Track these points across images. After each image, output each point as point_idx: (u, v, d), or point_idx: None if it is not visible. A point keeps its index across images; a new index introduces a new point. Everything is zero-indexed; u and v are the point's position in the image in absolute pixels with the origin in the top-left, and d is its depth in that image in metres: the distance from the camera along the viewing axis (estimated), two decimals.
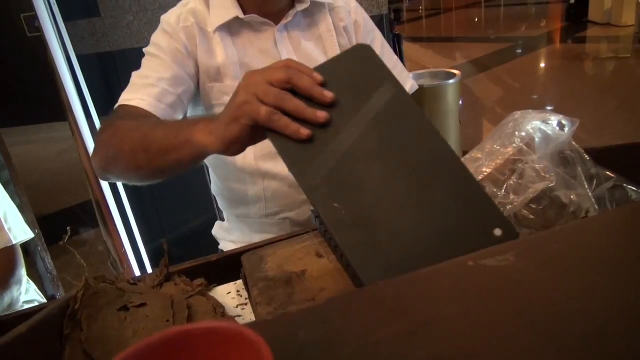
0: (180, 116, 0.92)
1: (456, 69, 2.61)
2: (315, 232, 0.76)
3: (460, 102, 2.62)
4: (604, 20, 6.72)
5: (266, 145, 0.96)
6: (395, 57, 1.09)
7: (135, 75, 0.90)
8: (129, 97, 0.86)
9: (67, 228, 0.75)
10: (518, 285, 0.32)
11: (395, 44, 2.54)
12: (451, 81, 2.46)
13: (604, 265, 0.33)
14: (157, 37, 0.92)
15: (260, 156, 0.96)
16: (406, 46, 5.19)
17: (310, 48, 0.97)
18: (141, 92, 0.85)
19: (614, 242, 0.35)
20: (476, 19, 10.21)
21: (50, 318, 0.51)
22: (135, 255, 2.03)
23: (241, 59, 0.93)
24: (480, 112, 4.20)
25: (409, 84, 1.09)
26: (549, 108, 4.29)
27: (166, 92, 0.87)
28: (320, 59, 0.97)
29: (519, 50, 6.55)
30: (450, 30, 9.16)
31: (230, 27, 0.92)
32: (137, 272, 1.91)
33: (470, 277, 0.33)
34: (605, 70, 5.26)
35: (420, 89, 2.48)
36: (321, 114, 0.56)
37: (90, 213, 2.19)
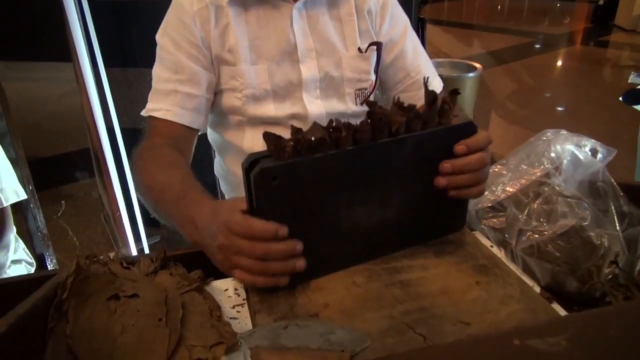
0: (206, 115, 0.93)
1: (474, 58, 2.53)
2: None
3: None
4: (630, 27, 6.56)
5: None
6: (425, 55, 1.02)
7: (156, 78, 0.90)
8: (154, 106, 0.89)
9: (62, 202, 0.70)
10: None
11: (419, 28, 2.45)
12: (471, 74, 2.39)
13: None
14: (170, 25, 0.88)
15: None
16: (427, 29, 5.06)
17: (328, 31, 0.91)
18: (165, 101, 0.88)
19: None
20: (499, 7, 9.96)
21: (34, 311, 0.47)
22: (128, 213, 1.99)
23: (252, 41, 0.88)
24: (491, 105, 4.13)
25: (437, 79, 1.03)
26: (559, 109, 4.22)
27: (188, 96, 0.88)
28: (338, 43, 0.92)
29: (539, 46, 6.41)
30: (471, 17, 8.94)
31: (246, 1, 0.87)
32: (129, 232, 1.87)
33: None
34: (624, 78, 5.15)
35: None
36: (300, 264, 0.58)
37: (89, 162, 2.14)
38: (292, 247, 0.56)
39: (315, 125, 0.56)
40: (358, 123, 0.56)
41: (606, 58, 5.86)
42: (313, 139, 0.54)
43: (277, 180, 0.54)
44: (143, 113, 0.91)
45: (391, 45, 0.97)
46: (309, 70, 0.91)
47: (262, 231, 0.55)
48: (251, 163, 0.55)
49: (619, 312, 0.34)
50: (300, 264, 0.57)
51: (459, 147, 0.63)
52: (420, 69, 1.00)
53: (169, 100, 0.88)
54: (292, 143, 0.53)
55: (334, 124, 0.55)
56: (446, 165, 0.63)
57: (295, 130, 0.54)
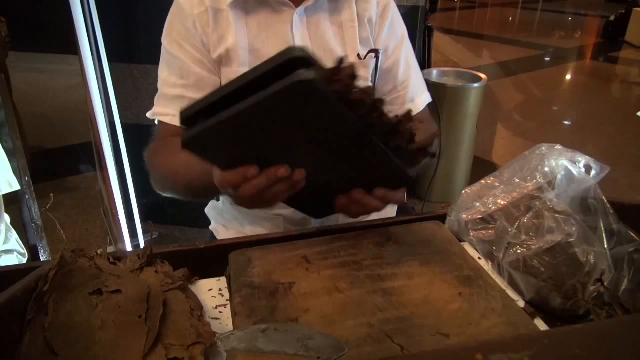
0: None
1: (482, 69, 2.53)
2: (311, 241, 0.71)
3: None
4: None
5: None
6: (417, 70, 1.02)
7: (162, 81, 0.92)
8: (161, 111, 0.91)
9: (51, 195, 0.70)
10: None
11: (426, 36, 2.44)
12: (475, 85, 2.39)
13: None
14: (174, 29, 0.89)
15: None
16: (435, 37, 5.06)
17: (329, 36, 0.91)
18: (172, 106, 0.89)
19: None
20: (510, 19, 9.95)
21: (12, 302, 0.47)
22: (126, 208, 2.00)
23: (252, 44, 0.88)
24: (497, 117, 4.12)
25: (423, 97, 1.02)
26: (565, 123, 4.20)
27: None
28: (337, 50, 0.92)
29: (548, 59, 6.40)
30: (482, 27, 8.93)
31: (247, 4, 0.87)
32: (124, 227, 1.88)
33: None
34: (632, 95, 5.13)
35: (443, 88, 2.41)
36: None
37: (93, 155, 2.15)
38: (274, 174, 0.58)
39: (370, 88, 0.54)
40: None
41: (615, 74, 5.84)
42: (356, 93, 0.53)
43: (309, 98, 0.50)
44: (149, 115, 0.92)
45: (385, 57, 0.97)
46: None
47: (230, 182, 0.60)
48: (299, 60, 0.49)
49: (586, 332, 0.33)
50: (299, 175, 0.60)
51: (379, 192, 0.66)
52: (408, 85, 0.99)
53: (176, 105, 0.89)
54: (346, 82, 0.51)
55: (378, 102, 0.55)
56: (357, 196, 0.66)
57: (352, 75, 0.52)
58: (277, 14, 0.88)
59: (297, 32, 0.89)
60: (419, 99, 1.00)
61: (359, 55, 0.93)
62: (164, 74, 0.91)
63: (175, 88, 0.89)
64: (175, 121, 0.88)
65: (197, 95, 0.87)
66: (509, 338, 0.33)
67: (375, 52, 0.94)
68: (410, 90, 0.99)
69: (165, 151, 0.88)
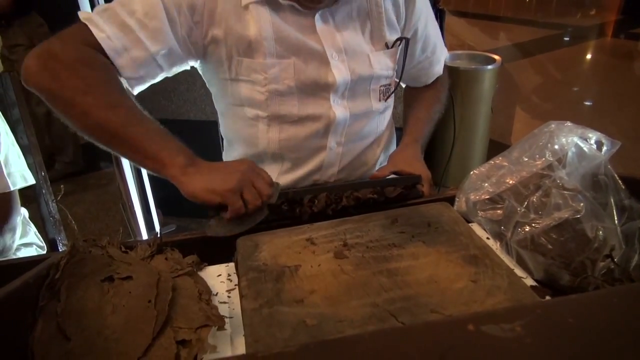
0: (143, 79, 0.82)
1: (499, 51, 2.47)
2: (317, 224, 0.72)
3: (496, 85, 2.50)
4: None
5: (293, 134, 0.91)
6: (435, 24, 1.01)
7: (123, 1, 0.77)
8: (100, 24, 0.75)
9: (61, 186, 0.72)
10: None
11: (438, 19, 2.40)
12: (489, 67, 2.35)
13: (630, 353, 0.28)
14: None
15: (286, 147, 0.93)
16: (450, 20, 4.97)
17: (356, 29, 0.88)
18: (114, 29, 0.75)
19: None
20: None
21: (24, 289, 0.49)
22: (142, 202, 2.03)
23: (277, 33, 0.83)
24: (515, 99, 4.04)
25: (444, 55, 1.07)
26: (585, 103, 4.10)
27: (138, 44, 0.77)
28: (365, 41, 0.89)
29: (567, 39, 6.24)
30: (498, 9, 8.75)
31: (269, 2, 0.82)
32: (141, 221, 1.91)
33: (467, 346, 0.29)
34: None
35: (456, 71, 2.37)
36: None
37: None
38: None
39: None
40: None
41: (637, 51, 5.67)
42: None
43: None
44: (83, 17, 0.76)
45: (414, 37, 0.96)
46: (340, 73, 0.87)
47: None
48: None
49: (581, 301, 0.33)
50: None
51: None
52: (435, 50, 1.03)
53: (119, 32, 0.75)
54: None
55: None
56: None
57: None
58: (299, 15, 0.85)
59: (321, 32, 0.85)
60: (442, 60, 1.07)
61: (386, 44, 0.91)
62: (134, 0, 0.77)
63: (131, 17, 0.76)
64: (107, 46, 0.74)
65: (147, 41, 0.77)
66: (501, 308, 0.33)
67: (403, 40, 0.92)
68: (437, 54, 1.04)
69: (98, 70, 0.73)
